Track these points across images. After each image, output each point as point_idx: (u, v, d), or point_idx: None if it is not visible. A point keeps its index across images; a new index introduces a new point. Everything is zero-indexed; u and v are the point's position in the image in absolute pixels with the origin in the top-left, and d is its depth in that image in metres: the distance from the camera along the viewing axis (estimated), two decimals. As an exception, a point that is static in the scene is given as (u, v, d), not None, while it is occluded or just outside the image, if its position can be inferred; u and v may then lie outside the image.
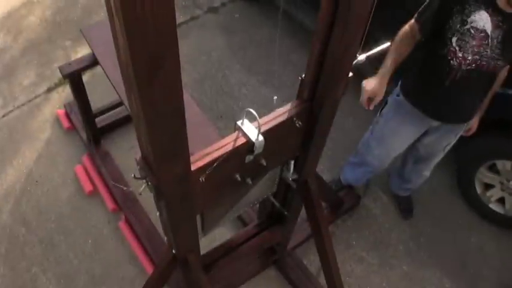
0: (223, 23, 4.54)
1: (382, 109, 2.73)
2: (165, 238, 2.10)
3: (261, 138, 1.65)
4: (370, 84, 2.38)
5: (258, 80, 4.05)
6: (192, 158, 1.53)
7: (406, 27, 2.36)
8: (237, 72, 4.12)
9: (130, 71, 1.02)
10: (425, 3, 2.29)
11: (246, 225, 3.04)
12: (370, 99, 2.41)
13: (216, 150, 1.61)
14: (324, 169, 3.52)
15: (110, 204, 3.26)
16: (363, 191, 3.48)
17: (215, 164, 1.59)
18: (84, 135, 3.53)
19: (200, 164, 1.56)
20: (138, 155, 1.50)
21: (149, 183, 1.48)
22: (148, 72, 1.04)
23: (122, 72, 1.11)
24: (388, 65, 2.38)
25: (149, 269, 2.96)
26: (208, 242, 2.83)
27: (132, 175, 1.53)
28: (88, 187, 3.35)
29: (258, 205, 2.56)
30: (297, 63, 4.12)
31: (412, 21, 2.34)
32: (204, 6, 4.70)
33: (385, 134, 2.77)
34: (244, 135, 1.65)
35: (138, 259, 3.05)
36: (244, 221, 3.12)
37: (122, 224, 3.18)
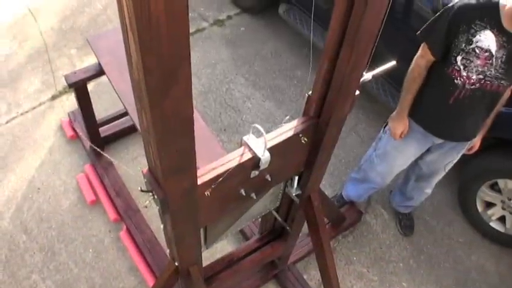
0: (229, 36, 4.57)
1: (385, 126, 2.74)
2: (167, 250, 2.10)
3: (267, 153, 1.65)
4: (398, 128, 2.59)
5: (262, 94, 4.06)
6: (198, 172, 1.54)
7: (420, 62, 2.37)
8: (242, 85, 4.14)
9: (143, 88, 1.03)
10: (430, 21, 2.30)
11: (247, 239, 3.04)
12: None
13: (222, 164, 1.62)
14: (326, 184, 3.52)
15: (112, 214, 3.25)
16: (364, 207, 3.48)
17: (221, 179, 1.60)
18: (87, 145, 3.53)
19: (206, 178, 1.57)
20: (145, 167, 1.51)
21: (155, 197, 1.49)
22: (161, 89, 1.05)
23: (133, 88, 1.12)
24: (406, 105, 2.52)
25: (149, 280, 2.95)
26: (210, 254, 2.83)
27: (139, 188, 1.53)
28: (90, 197, 3.35)
29: (259, 219, 2.56)
30: (301, 78, 4.15)
31: (421, 52, 2.35)
32: (210, 18, 4.72)
33: (389, 150, 2.78)
34: (251, 150, 1.66)
35: (139, 270, 3.05)
36: (246, 235, 3.12)
37: (123, 234, 3.17)
